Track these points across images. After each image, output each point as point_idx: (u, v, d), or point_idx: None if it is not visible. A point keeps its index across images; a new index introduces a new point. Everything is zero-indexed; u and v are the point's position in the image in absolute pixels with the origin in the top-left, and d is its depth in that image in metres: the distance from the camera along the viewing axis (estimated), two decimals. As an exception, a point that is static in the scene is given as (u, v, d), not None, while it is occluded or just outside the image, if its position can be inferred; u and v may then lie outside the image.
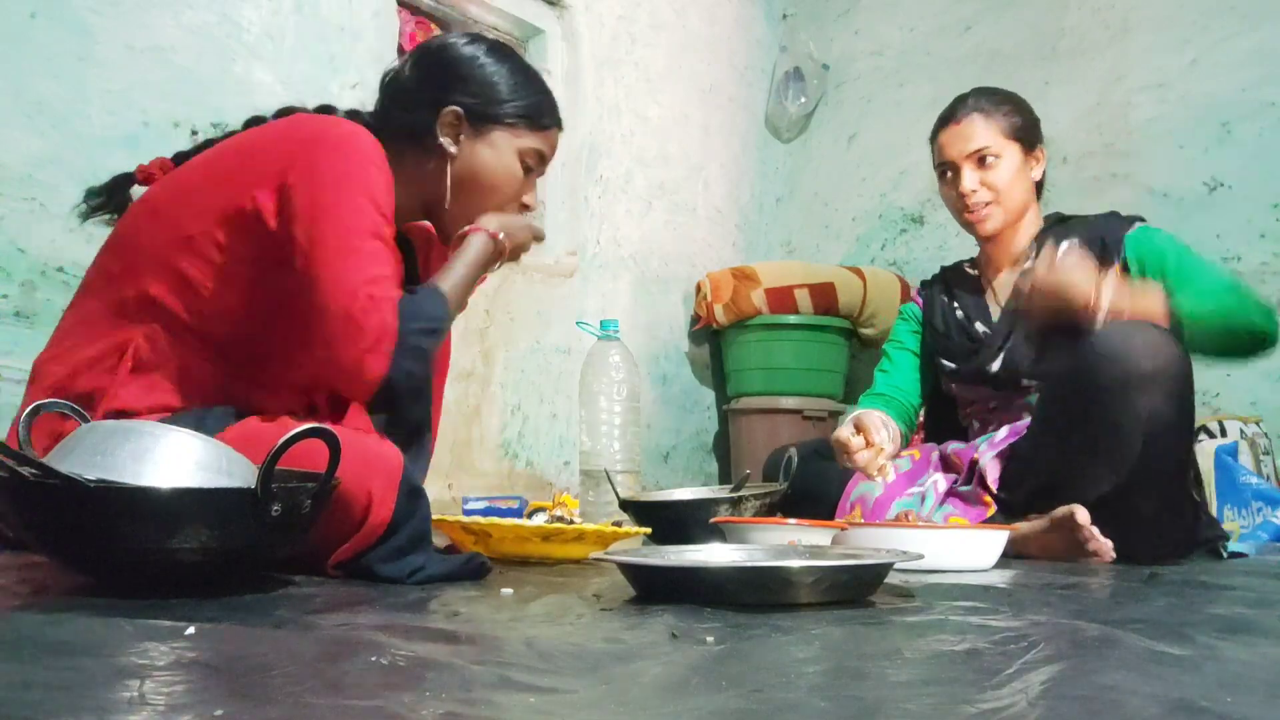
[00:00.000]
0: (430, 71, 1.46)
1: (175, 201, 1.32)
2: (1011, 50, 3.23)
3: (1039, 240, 1.98)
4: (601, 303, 3.01)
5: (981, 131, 1.97)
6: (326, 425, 1.04)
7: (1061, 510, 1.67)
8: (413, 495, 1.19)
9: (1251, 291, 1.78)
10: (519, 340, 2.76)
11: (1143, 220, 1.97)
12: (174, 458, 1.01)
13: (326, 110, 1.47)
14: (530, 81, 1.48)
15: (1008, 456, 1.84)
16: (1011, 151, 1.98)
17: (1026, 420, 1.89)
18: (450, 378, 2.60)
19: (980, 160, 1.97)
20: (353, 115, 1.47)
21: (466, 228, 1.44)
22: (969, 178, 1.97)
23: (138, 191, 1.42)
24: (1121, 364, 1.63)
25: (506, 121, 1.44)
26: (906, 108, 3.46)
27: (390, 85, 1.49)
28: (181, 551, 0.96)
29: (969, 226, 2.01)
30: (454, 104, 1.42)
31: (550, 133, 1.49)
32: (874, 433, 1.81)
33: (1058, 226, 2.00)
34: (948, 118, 2.02)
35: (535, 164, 1.48)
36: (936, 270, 2.23)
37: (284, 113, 1.45)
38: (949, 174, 2.01)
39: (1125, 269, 1.87)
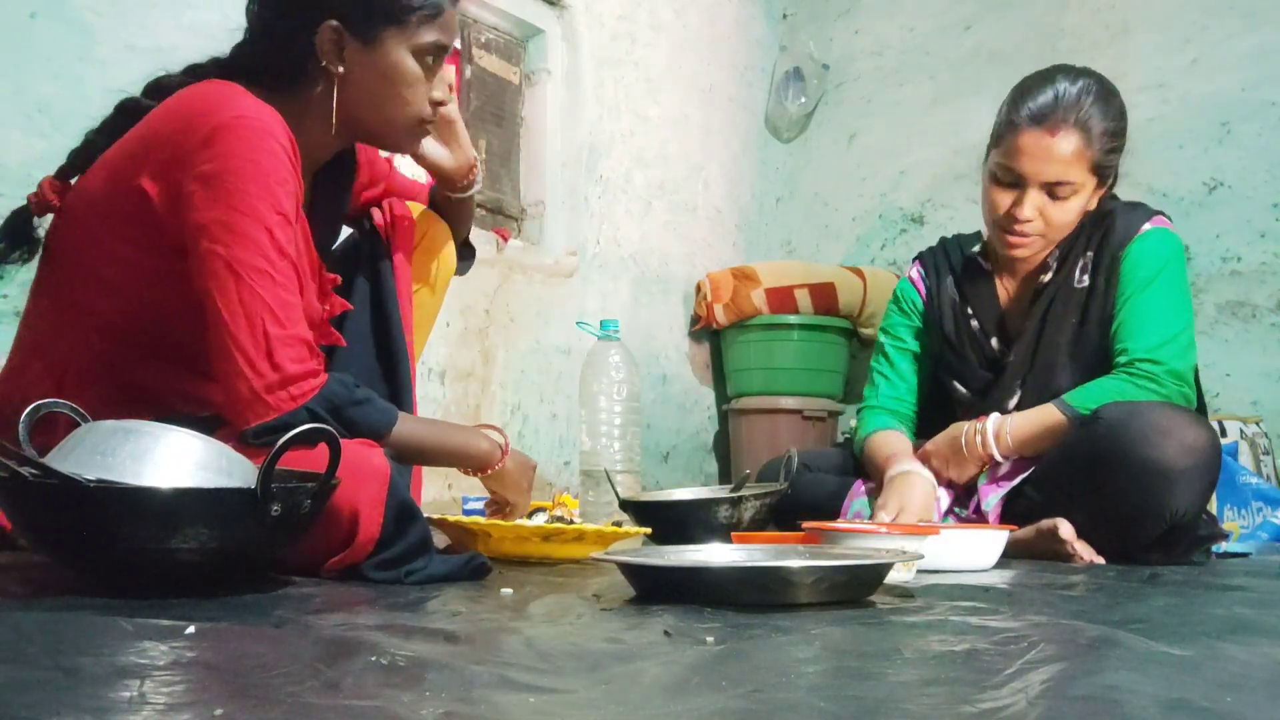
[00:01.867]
0: None
1: (81, 205, 1.28)
2: (1011, 50, 3.23)
3: (1062, 246, 1.81)
4: (601, 303, 3.01)
5: (1073, 161, 1.72)
6: (325, 425, 1.04)
7: (1047, 522, 1.66)
8: (404, 511, 1.15)
9: (1166, 387, 1.68)
10: (519, 340, 2.76)
11: (1163, 217, 1.83)
12: (174, 458, 1.01)
13: (193, 71, 1.34)
14: None
15: (1012, 495, 1.74)
16: (1089, 187, 1.76)
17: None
18: (450, 378, 2.61)
19: (1053, 190, 1.73)
20: (226, 67, 1.33)
21: (493, 439, 1.41)
22: (1031, 204, 1.73)
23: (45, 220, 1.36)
24: (1156, 460, 1.54)
25: (395, 21, 1.28)
26: (906, 108, 3.46)
27: (256, 18, 1.33)
28: (181, 551, 0.96)
29: (1000, 244, 1.81)
30: (329, 19, 1.27)
31: (445, 16, 1.32)
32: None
33: (1079, 236, 1.82)
34: (1042, 114, 1.72)
35: (435, 55, 1.33)
36: (937, 245, 2.04)
37: (152, 86, 1.34)
38: (1010, 180, 1.76)
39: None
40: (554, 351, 2.85)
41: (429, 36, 1.31)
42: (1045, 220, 1.76)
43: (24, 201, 1.35)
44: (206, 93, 1.25)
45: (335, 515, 1.11)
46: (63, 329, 1.29)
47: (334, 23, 1.27)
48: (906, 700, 0.61)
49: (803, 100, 3.67)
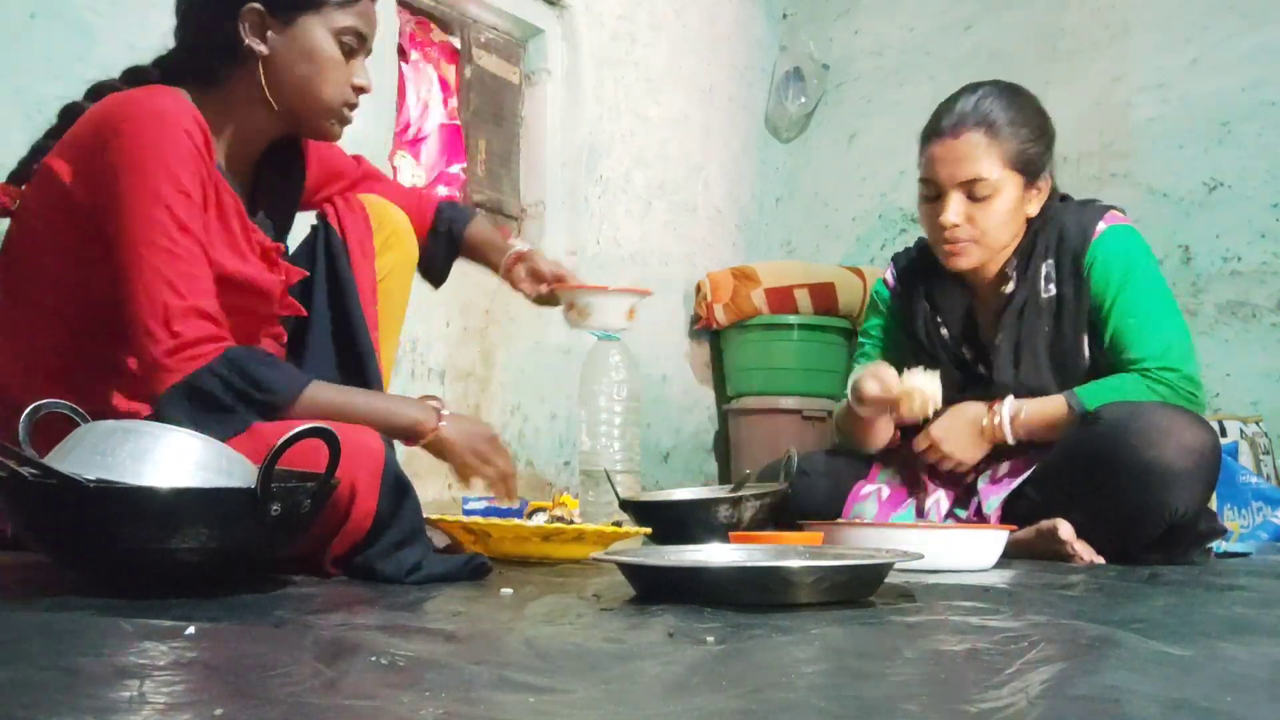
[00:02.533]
0: None
1: (27, 207, 1.33)
2: (1011, 50, 3.23)
3: (1020, 252, 1.79)
4: (601, 303, 3.00)
5: (979, 157, 1.71)
6: (325, 425, 1.04)
7: (1046, 523, 1.66)
8: (398, 486, 1.18)
9: (1184, 395, 1.67)
10: (519, 340, 2.76)
11: (1116, 212, 1.80)
12: (174, 457, 1.01)
13: (134, 73, 1.40)
14: None
15: (1012, 496, 1.74)
16: (1011, 184, 1.73)
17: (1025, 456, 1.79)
18: (450, 378, 2.61)
19: (971, 192, 1.72)
20: (163, 62, 1.39)
21: (427, 406, 1.38)
22: (954, 209, 1.72)
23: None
24: (1156, 461, 1.55)
25: (313, 4, 1.34)
26: (906, 108, 3.45)
27: (183, 8, 1.39)
28: (181, 551, 0.96)
29: (942, 258, 1.80)
30: (251, 2, 1.32)
31: (361, 4, 1.38)
32: (893, 386, 1.71)
33: (1034, 242, 1.80)
34: (945, 123, 1.76)
35: (356, 43, 1.38)
36: (911, 247, 2.02)
37: (92, 90, 1.40)
38: (933, 194, 1.76)
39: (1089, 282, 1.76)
40: (554, 351, 2.85)
41: (346, 21, 1.36)
42: (974, 224, 1.74)
43: None
44: (125, 93, 1.32)
45: (334, 494, 1.12)
46: (25, 324, 1.31)
47: (255, 5, 1.33)
48: (906, 700, 0.61)
49: (803, 100, 3.67)
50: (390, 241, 1.62)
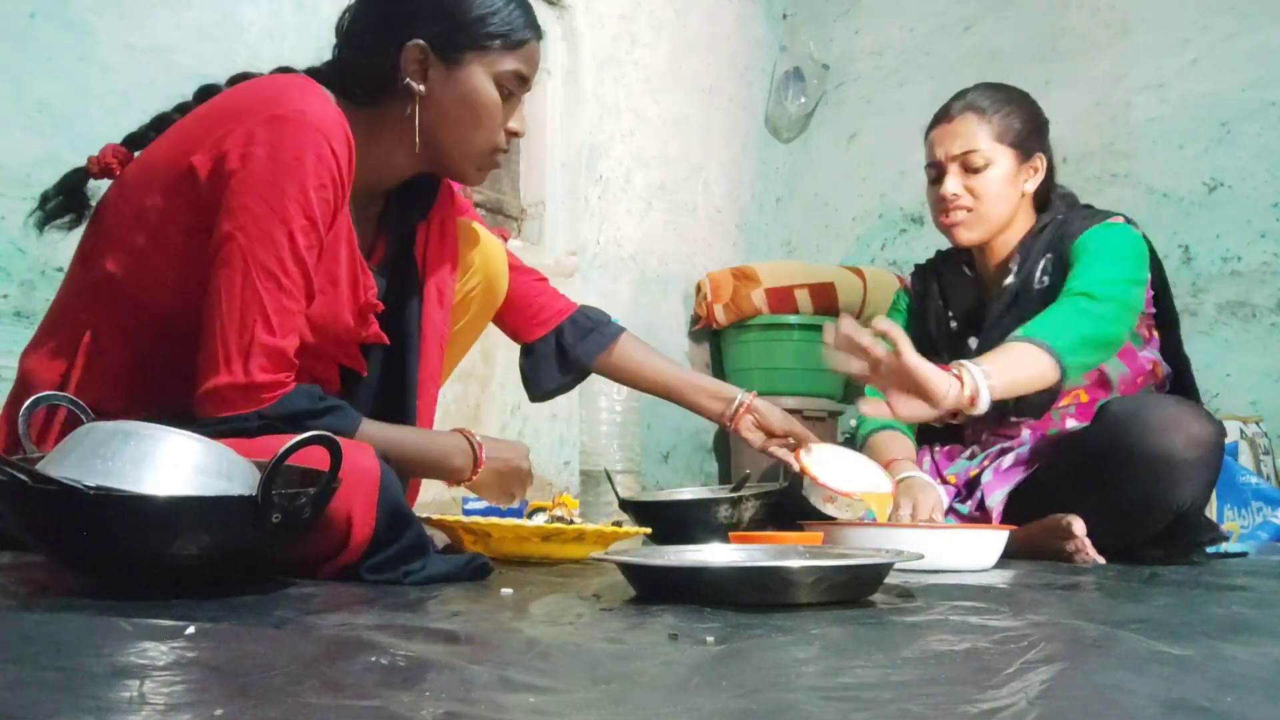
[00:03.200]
0: (384, 6, 1.32)
1: (136, 177, 1.27)
2: (1011, 50, 3.23)
3: (1024, 246, 1.88)
4: (601, 303, 3.00)
5: (973, 132, 1.85)
6: (326, 433, 1.03)
7: (1059, 517, 1.66)
8: (396, 514, 1.14)
9: (1107, 304, 1.69)
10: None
11: (1112, 217, 1.85)
12: (174, 462, 1.00)
13: (284, 71, 1.35)
14: None
15: (1015, 491, 1.75)
16: (1004, 158, 1.86)
17: (1027, 445, 1.81)
18: (450, 378, 2.61)
19: (967, 164, 1.85)
20: (312, 73, 1.34)
21: (467, 436, 1.36)
22: (952, 181, 1.86)
23: (94, 187, 1.36)
24: (1163, 452, 1.56)
25: (478, 46, 1.30)
26: (906, 108, 3.46)
27: (346, 29, 1.35)
28: (181, 557, 0.96)
29: (944, 231, 1.92)
30: (416, 37, 1.28)
31: (528, 48, 1.34)
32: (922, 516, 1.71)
33: (1038, 237, 1.88)
34: (942, 114, 1.92)
35: (515, 87, 1.34)
36: (932, 255, 2.12)
37: (238, 79, 1.34)
38: (935, 175, 1.91)
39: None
40: (554, 351, 2.84)
41: (510, 65, 1.32)
42: (972, 194, 1.86)
43: (80, 165, 1.35)
44: (277, 81, 1.26)
45: (330, 519, 1.11)
46: (88, 296, 1.27)
47: (420, 42, 1.28)
48: (906, 700, 0.61)
49: (803, 100, 3.67)
50: (475, 292, 1.59)
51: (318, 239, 1.21)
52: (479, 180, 1.41)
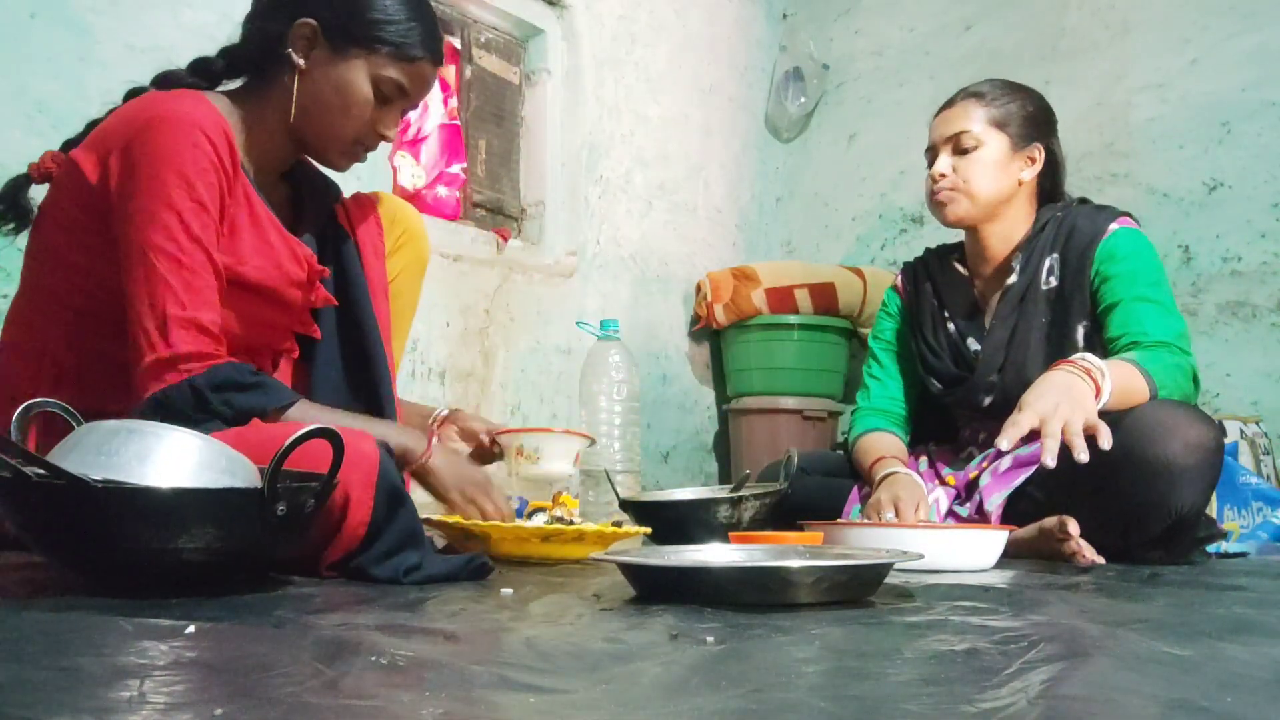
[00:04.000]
0: None
1: (55, 188, 1.34)
2: (1011, 50, 3.23)
3: (1026, 244, 1.88)
4: (601, 303, 3.01)
5: (967, 115, 1.89)
6: (329, 425, 1.04)
7: (1053, 519, 1.66)
8: (393, 496, 1.16)
9: (1172, 365, 1.68)
10: (519, 340, 2.76)
11: (1129, 218, 1.86)
12: (177, 457, 1.01)
13: (164, 78, 1.40)
14: (405, 6, 1.37)
15: (1014, 494, 1.75)
16: (995, 141, 1.87)
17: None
18: (450, 378, 2.61)
19: (958, 145, 1.88)
20: (199, 64, 1.41)
21: (418, 442, 1.37)
22: (942, 161, 1.89)
23: (39, 191, 1.40)
24: (1161, 457, 1.56)
25: (365, 44, 1.35)
26: (906, 108, 3.46)
27: (252, 4, 1.43)
28: (187, 551, 0.96)
29: (933, 210, 1.94)
30: (311, 15, 1.35)
31: (417, 65, 1.38)
32: (907, 517, 1.71)
33: (1040, 235, 1.87)
34: (945, 102, 1.96)
35: (394, 95, 1.38)
36: (921, 253, 2.12)
37: (133, 93, 1.41)
38: (931, 161, 1.94)
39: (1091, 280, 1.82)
40: (554, 351, 2.85)
41: (391, 73, 1.37)
42: (960, 174, 1.88)
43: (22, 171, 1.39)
44: (152, 95, 1.34)
45: (327, 501, 1.12)
46: (38, 319, 1.32)
47: (312, 21, 1.35)
48: (906, 700, 0.61)
49: (803, 100, 3.67)
50: (402, 241, 1.63)
51: (211, 221, 1.25)
52: (343, 167, 1.47)
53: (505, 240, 2.76)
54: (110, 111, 1.38)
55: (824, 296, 3.14)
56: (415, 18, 1.38)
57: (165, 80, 1.40)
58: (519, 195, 2.98)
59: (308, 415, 1.26)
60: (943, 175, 1.89)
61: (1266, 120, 2.78)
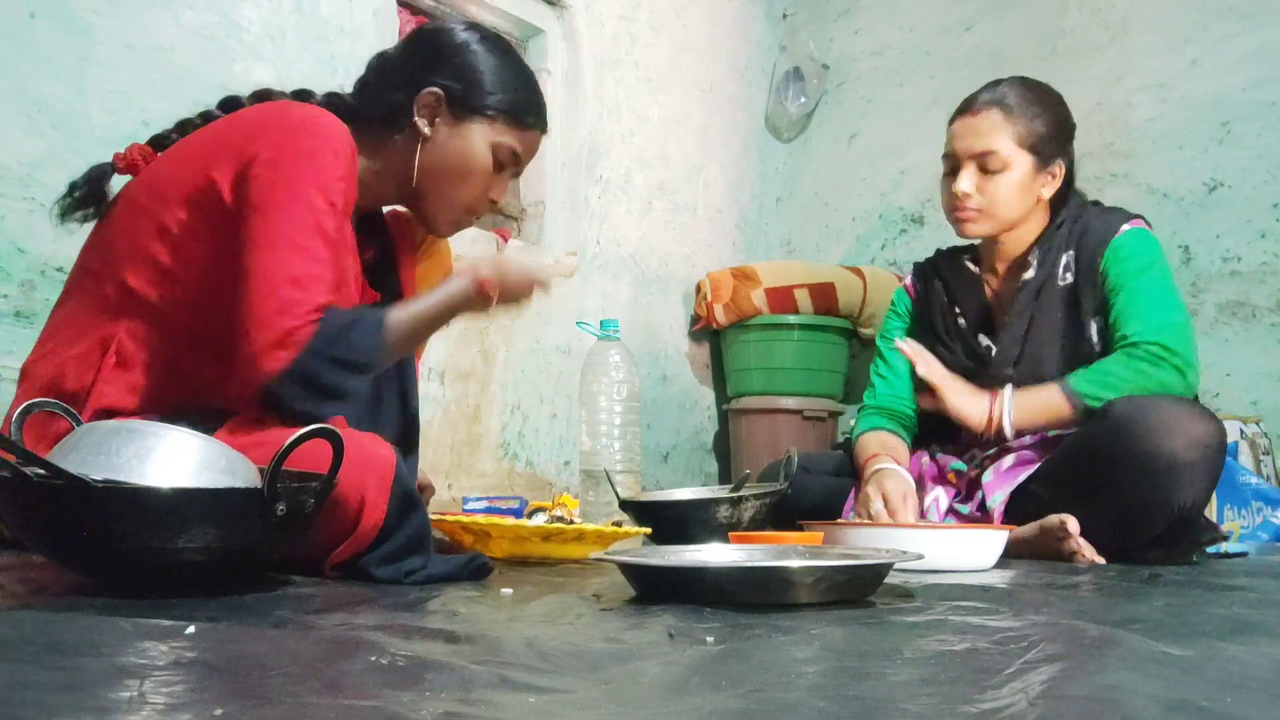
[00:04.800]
0: (418, 51, 1.45)
1: (150, 190, 1.31)
2: (1011, 50, 3.23)
3: (1043, 242, 1.88)
4: (601, 303, 3.01)
5: (995, 132, 1.82)
6: (328, 425, 1.04)
7: (1053, 518, 1.66)
8: (407, 500, 1.16)
9: (1168, 367, 1.71)
10: (519, 340, 2.76)
11: (1141, 220, 1.87)
12: (177, 457, 1.01)
13: (302, 95, 1.45)
14: (519, 78, 1.46)
15: (1016, 492, 1.75)
16: (1023, 163, 1.83)
17: (1028, 446, 1.81)
18: (450, 378, 2.61)
19: (984, 164, 1.83)
20: (332, 98, 1.46)
21: (465, 269, 1.40)
22: (966, 179, 1.84)
23: (118, 182, 1.40)
24: (1163, 454, 1.57)
25: (486, 113, 1.42)
26: (906, 108, 3.46)
27: (379, 62, 1.48)
28: (187, 551, 0.96)
29: (951, 222, 1.92)
30: (434, 85, 1.41)
31: (530, 134, 1.47)
32: (898, 514, 1.72)
33: (1058, 233, 1.88)
34: (967, 104, 1.89)
35: (509, 162, 1.46)
36: (931, 254, 2.12)
37: (260, 95, 1.43)
38: (950, 168, 1.89)
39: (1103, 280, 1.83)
40: (554, 351, 2.85)
41: (509, 140, 1.45)
42: (985, 196, 1.84)
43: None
44: (288, 102, 1.38)
45: (342, 502, 1.12)
46: (107, 311, 1.29)
47: (437, 90, 1.41)
48: (906, 700, 0.61)
49: (803, 100, 3.66)
50: (429, 250, 1.67)
51: (337, 225, 1.26)
52: (447, 234, 1.53)
53: (505, 240, 2.76)
54: (204, 115, 1.40)
55: (824, 296, 3.14)
56: (529, 90, 1.47)
57: (298, 97, 1.44)
58: (519, 195, 2.98)
59: (400, 323, 1.29)
60: (966, 195, 1.84)
61: (1266, 120, 2.78)
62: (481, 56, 1.44)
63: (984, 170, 1.84)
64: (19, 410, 1.10)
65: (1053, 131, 1.86)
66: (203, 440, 1.04)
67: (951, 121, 1.91)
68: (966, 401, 1.82)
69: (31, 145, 1.83)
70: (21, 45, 1.83)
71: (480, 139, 1.43)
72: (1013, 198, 1.84)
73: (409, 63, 1.44)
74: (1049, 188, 1.88)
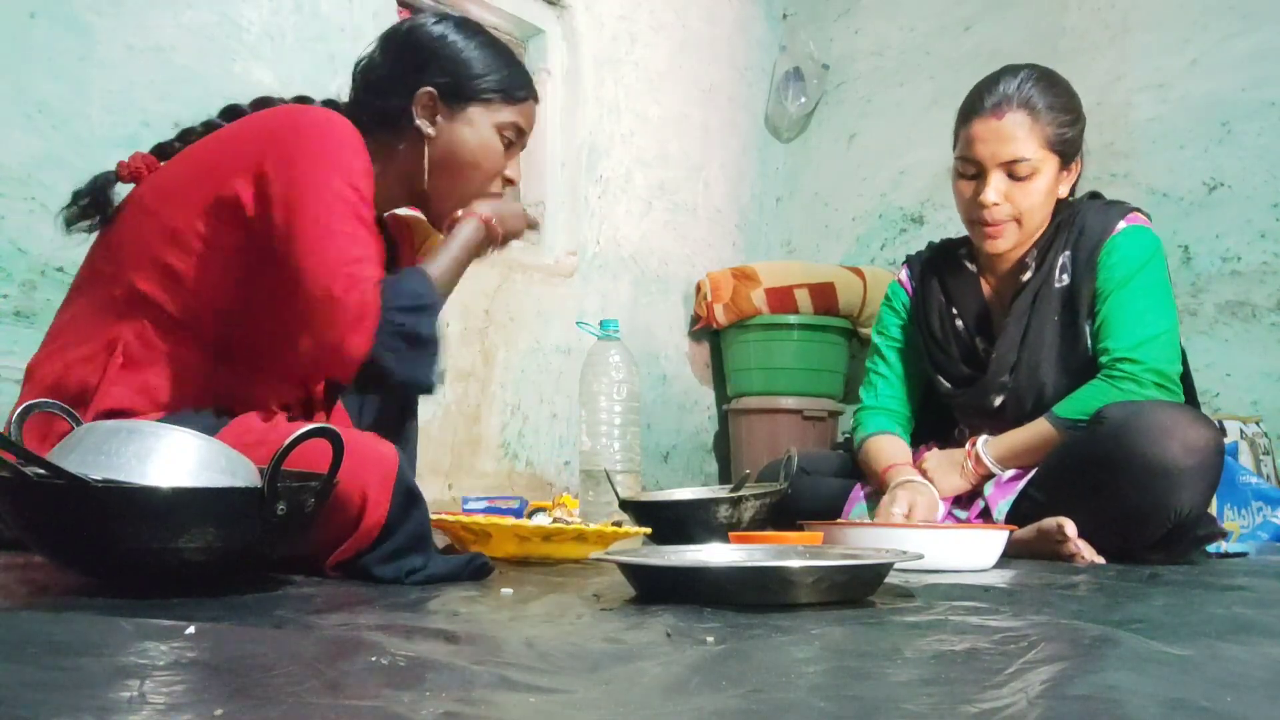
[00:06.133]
0: (401, 55, 1.45)
1: (160, 196, 1.32)
2: (1011, 50, 3.22)
3: (1040, 243, 1.83)
4: (601, 303, 3.01)
5: (1024, 138, 1.73)
6: (329, 424, 1.04)
7: (1050, 521, 1.66)
8: (409, 497, 1.18)
9: (1150, 386, 1.69)
10: (519, 340, 2.76)
11: (1139, 214, 1.83)
12: (176, 457, 1.01)
13: (302, 101, 1.47)
14: (501, 55, 1.47)
15: (1017, 500, 1.74)
16: (1050, 166, 1.76)
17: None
18: (450, 378, 2.61)
19: (1013, 172, 1.75)
20: (329, 104, 1.47)
21: (459, 212, 1.45)
22: (995, 187, 1.75)
23: (122, 189, 1.40)
24: (1159, 460, 1.56)
25: (481, 98, 1.44)
26: (906, 108, 3.46)
27: (363, 73, 1.48)
28: (187, 551, 0.96)
29: (977, 238, 1.83)
30: (428, 85, 1.42)
31: (525, 105, 1.48)
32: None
33: (1054, 233, 1.84)
34: (986, 106, 1.77)
35: (514, 137, 1.48)
36: (924, 248, 2.06)
37: (260, 103, 1.45)
38: (972, 173, 1.79)
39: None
40: (554, 351, 2.85)
41: (509, 117, 1.46)
42: (1013, 204, 1.77)
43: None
44: (298, 105, 1.40)
45: (344, 499, 1.13)
46: (115, 313, 1.29)
47: (430, 89, 1.42)
48: (906, 700, 0.61)
49: (803, 100, 3.66)
50: (428, 251, 1.67)
51: (369, 212, 1.28)
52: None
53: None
54: (207, 125, 1.41)
55: (824, 296, 3.14)
56: (512, 63, 1.48)
57: (300, 102, 1.45)
58: (519, 195, 2.98)
59: (437, 275, 1.35)
60: (997, 205, 1.76)
61: (1266, 120, 2.78)
62: (462, 44, 1.44)
63: (1012, 177, 1.76)
64: (19, 410, 1.10)
65: (1076, 130, 1.80)
66: (203, 440, 1.04)
67: (969, 121, 1.80)
68: (948, 484, 1.84)
69: (32, 145, 1.83)
70: (22, 45, 1.83)
71: (484, 123, 1.44)
72: (1041, 204, 1.78)
73: (394, 68, 1.45)
74: (1066, 185, 1.83)
